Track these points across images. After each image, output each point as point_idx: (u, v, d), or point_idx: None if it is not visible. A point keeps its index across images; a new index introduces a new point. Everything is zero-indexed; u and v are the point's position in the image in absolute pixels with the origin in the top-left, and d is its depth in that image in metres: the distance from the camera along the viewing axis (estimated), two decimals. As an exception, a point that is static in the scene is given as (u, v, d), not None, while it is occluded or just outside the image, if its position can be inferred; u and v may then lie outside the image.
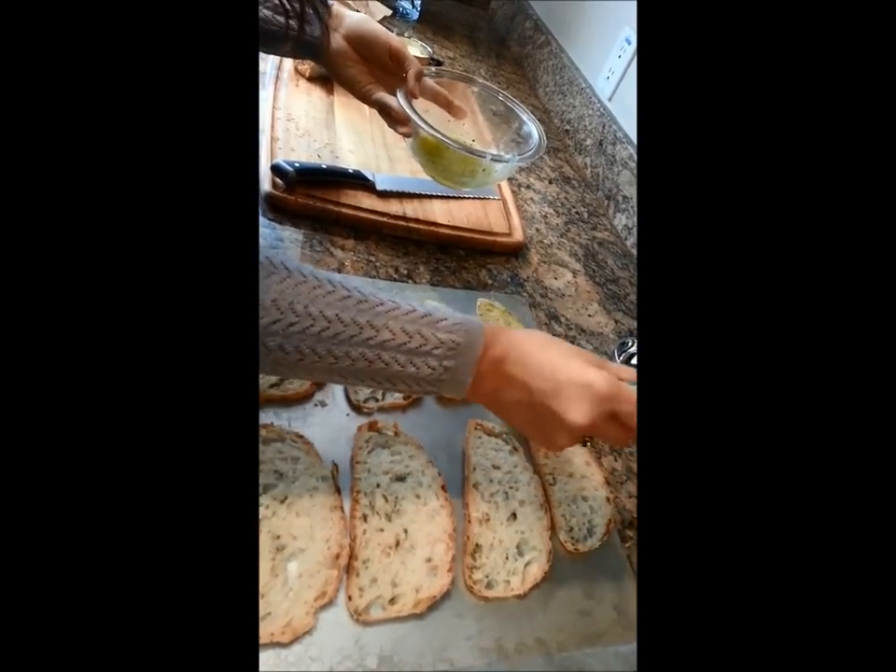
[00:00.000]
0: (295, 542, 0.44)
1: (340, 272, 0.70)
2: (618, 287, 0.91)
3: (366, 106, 0.73)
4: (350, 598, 0.43)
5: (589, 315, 0.83)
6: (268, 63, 0.98)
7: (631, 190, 1.04)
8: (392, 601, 0.44)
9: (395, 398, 0.58)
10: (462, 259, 0.81)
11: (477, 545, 0.49)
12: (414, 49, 1.19)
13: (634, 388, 0.45)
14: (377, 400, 0.58)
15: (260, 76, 0.95)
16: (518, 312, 0.75)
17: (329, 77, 0.98)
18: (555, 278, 0.87)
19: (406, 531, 0.48)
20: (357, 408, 0.56)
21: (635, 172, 1.03)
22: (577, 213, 1.05)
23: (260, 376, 0.54)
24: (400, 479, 0.52)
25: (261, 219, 0.72)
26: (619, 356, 0.74)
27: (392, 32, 0.74)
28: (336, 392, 0.57)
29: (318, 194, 0.76)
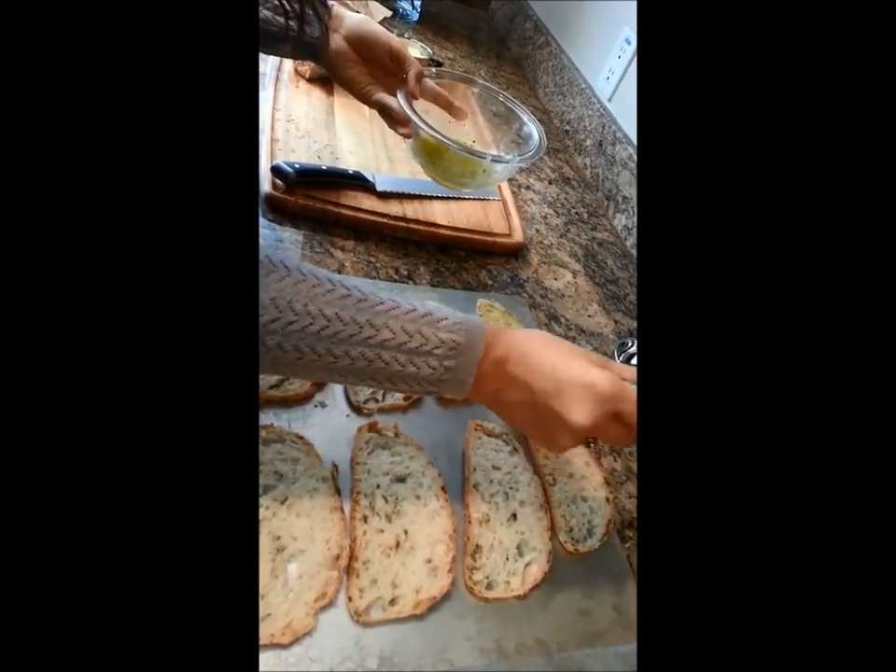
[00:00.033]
0: (295, 543, 0.45)
1: (340, 273, 0.70)
2: (618, 287, 0.91)
3: (366, 107, 0.73)
4: (350, 599, 0.43)
5: (589, 316, 0.83)
6: (268, 64, 0.98)
7: (631, 191, 1.04)
8: (392, 602, 0.44)
9: (395, 399, 0.58)
10: (462, 259, 0.81)
11: (477, 546, 0.49)
12: (414, 49, 1.19)
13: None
14: (377, 401, 0.58)
15: (260, 77, 0.95)
16: (518, 312, 0.75)
17: (329, 78, 0.98)
18: (555, 279, 0.87)
19: (406, 532, 0.48)
20: (357, 409, 0.56)
21: (634, 172, 1.03)
22: (577, 213, 1.05)
23: (260, 377, 0.54)
24: (400, 480, 0.52)
25: (261, 220, 0.72)
26: (619, 356, 0.74)
27: (392, 33, 0.74)
28: (336, 393, 0.57)
29: (318, 195, 0.76)
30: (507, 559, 0.49)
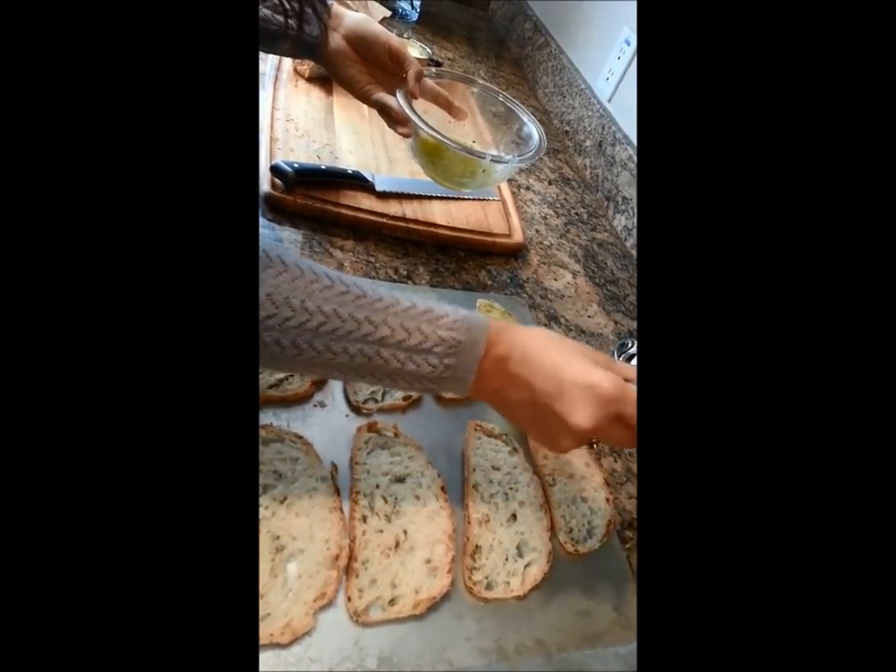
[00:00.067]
0: (294, 543, 0.44)
1: (339, 272, 0.70)
2: (617, 288, 0.91)
3: (365, 107, 0.73)
4: (349, 599, 0.43)
5: (589, 316, 0.83)
6: (267, 64, 0.98)
7: (630, 191, 1.04)
8: (391, 602, 0.44)
9: (394, 399, 0.58)
10: (461, 260, 0.81)
11: (477, 546, 0.49)
12: (413, 49, 1.19)
13: None
14: (376, 401, 0.58)
15: (260, 76, 0.94)
16: (518, 313, 0.75)
17: (328, 77, 0.98)
18: (555, 279, 0.87)
19: (405, 532, 0.48)
20: (356, 409, 0.56)
21: (634, 173, 1.03)
22: (576, 214, 1.05)
23: (260, 376, 0.54)
24: (400, 480, 0.52)
25: (261, 220, 0.72)
26: (618, 357, 0.73)
27: (391, 33, 0.74)
28: (335, 393, 0.57)
29: (317, 195, 0.76)
30: (506, 559, 0.49)
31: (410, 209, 0.81)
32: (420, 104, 0.73)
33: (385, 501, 0.50)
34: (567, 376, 0.42)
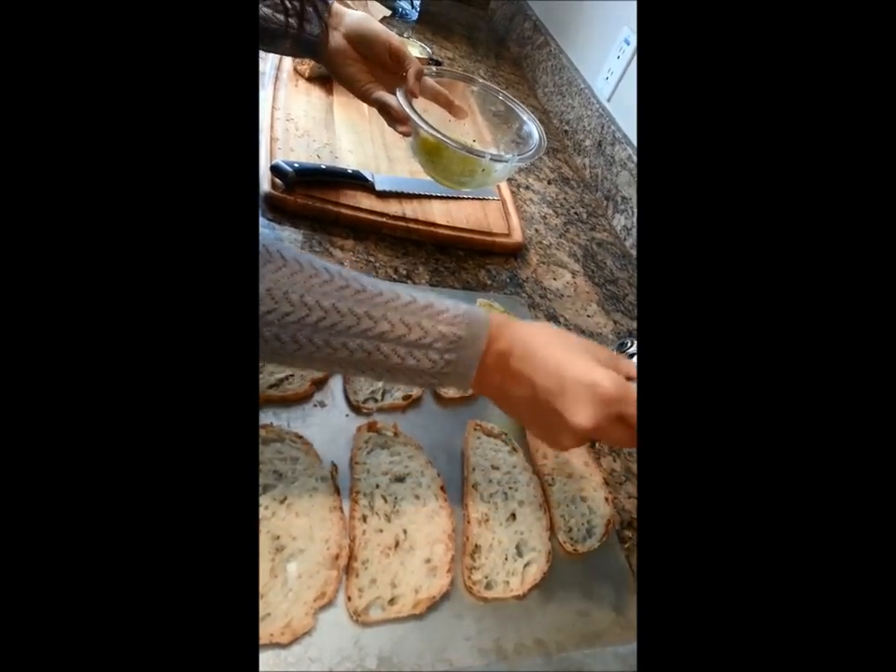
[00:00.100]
0: (294, 543, 0.44)
1: (339, 272, 0.70)
2: (617, 287, 0.91)
3: (365, 106, 0.73)
4: (349, 599, 0.43)
5: (588, 316, 0.83)
6: (267, 63, 0.98)
7: (630, 191, 1.04)
8: (391, 602, 0.44)
9: (394, 398, 0.58)
10: (461, 259, 0.81)
11: (476, 546, 0.49)
12: (413, 49, 1.19)
13: None
14: (376, 401, 0.58)
15: (260, 76, 0.94)
16: (517, 312, 0.75)
17: (328, 77, 0.98)
18: (554, 279, 0.87)
19: (405, 532, 0.48)
20: (356, 408, 0.56)
21: (634, 172, 1.03)
22: (576, 213, 1.05)
23: (260, 376, 0.54)
24: (400, 479, 0.52)
25: (261, 220, 0.72)
26: (618, 356, 0.73)
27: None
28: (335, 392, 0.57)
29: (317, 194, 0.76)
30: (506, 559, 0.49)
31: (410, 209, 0.81)
32: (420, 102, 0.73)
33: (385, 501, 0.50)
34: (569, 374, 0.42)
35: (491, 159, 0.72)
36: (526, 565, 0.50)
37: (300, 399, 0.55)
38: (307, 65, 0.98)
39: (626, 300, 0.89)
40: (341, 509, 0.48)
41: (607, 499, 0.57)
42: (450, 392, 0.61)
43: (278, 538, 0.44)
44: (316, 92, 0.97)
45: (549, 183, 1.10)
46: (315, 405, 0.55)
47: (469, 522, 0.51)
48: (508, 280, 0.82)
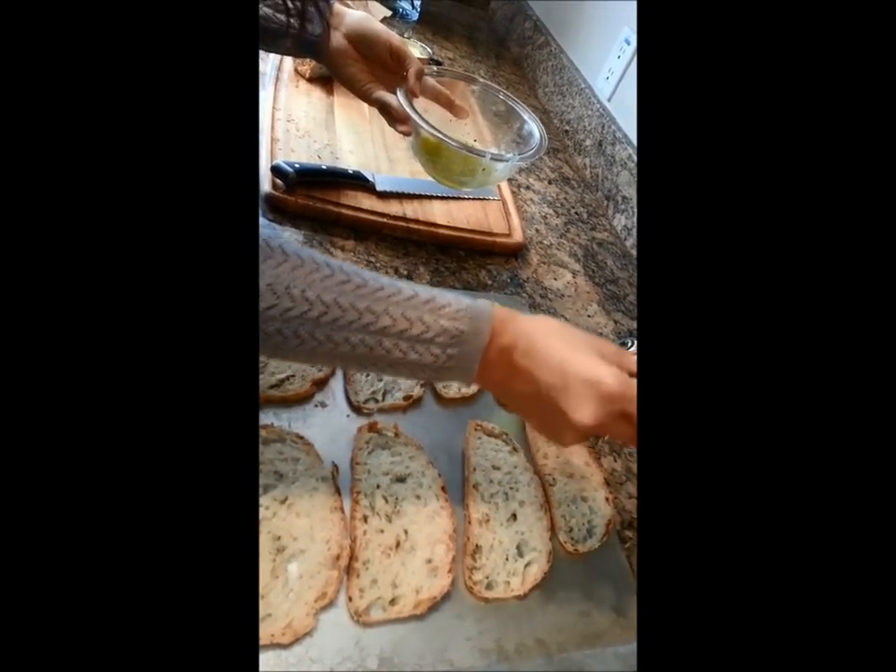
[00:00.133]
0: (295, 543, 0.44)
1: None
2: (617, 287, 0.91)
3: (366, 107, 0.73)
4: (350, 599, 0.43)
5: (588, 316, 0.83)
6: (268, 64, 0.98)
7: (630, 191, 1.04)
8: (392, 602, 0.44)
9: (395, 399, 0.58)
10: (462, 259, 0.81)
11: (477, 546, 0.49)
12: (414, 49, 1.19)
13: None
14: (377, 401, 0.58)
15: (260, 76, 0.94)
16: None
17: (329, 77, 0.98)
18: (555, 279, 0.87)
19: (406, 532, 0.48)
20: (357, 409, 0.56)
21: (634, 172, 1.03)
22: (576, 213, 1.05)
23: (260, 377, 0.54)
24: (400, 480, 0.52)
25: (261, 220, 0.72)
26: (619, 356, 0.73)
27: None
28: (336, 393, 0.57)
29: (318, 195, 0.76)
30: (507, 559, 0.49)
31: (410, 209, 0.81)
32: (421, 102, 0.73)
33: (386, 501, 0.50)
34: (573, 370, 0.41)
35: (492, 158, 0.72)
36: (527, 565, 0.50)
37: (300, 400, 0.55)
38: (308, 66, 0.98)
39: (627, 299, 0.89)
40: (342, 509, 0.48)
41: (607, 499, 0.57)
42: (450, 392, 0.61)
43: (279, 538, 0.44)
44: (317, 93, 0.97)
45: (549, 183, 1.10)
46: (316, 405, 0.55)
47: (469, 522, 0.51)
48: (508, 280, 0.82)
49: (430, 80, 0.75)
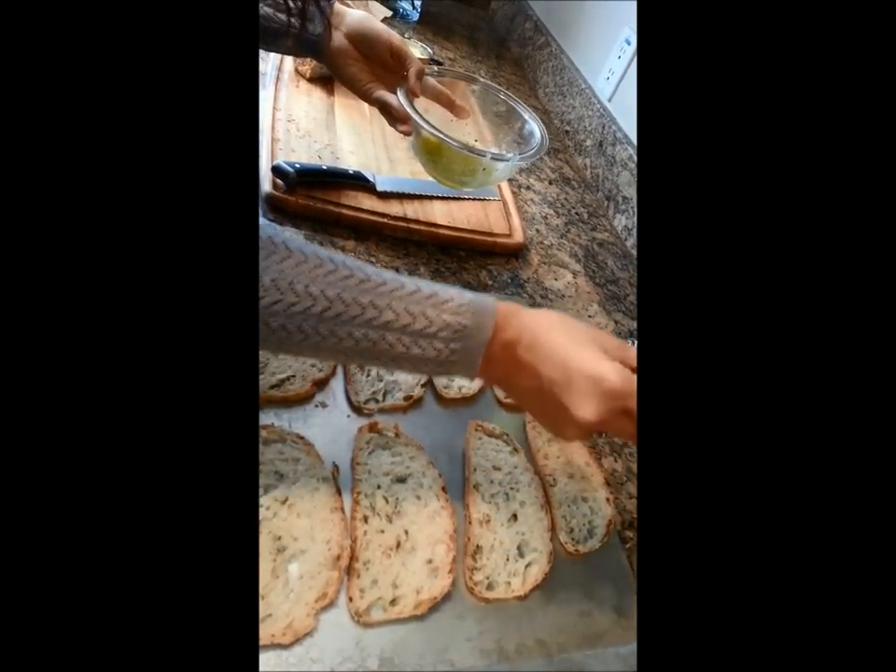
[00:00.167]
0: (296, 543, 0.44)
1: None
2: (618, 287, 0.91)
3: (366, 107, 0.73)
4: (351, 600, 0.43)
5: (589, 316, 0.83)
6: (268, 64, 0.98)
7: (631, 191, 1.04)
8: (393, 602, 0.44)
9: (395, 399, 0.58)
10: (462, 260, 0.81)
11: (478, 546, 0.49)
12: (414, 49, 1.19)
13: None
14: (377, 402, 0.58)
15: (261, 76, 0.94)
16: (518, 313, 0.75)
17: (329, 78, 0.98)
18: (555, 279, 0.87)
19: (407, 532, 0.48)
20: (357, 409, 0.56)
21: (634, 173, 1.03)
22: (577, 214, 1.05)
23: (261, 377, 0.54)
24: (401, 480, 0.52)
25: (262, 220, 0.72)
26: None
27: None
28: (337, 393, 0.57)
29: (319, 195, 0.76)
30: (507, 560, 0.49)
31: (411, 209, 0.81)
32: (421, 102, 0.73)
33: (387, 501, 0.50)
34: (576, 366, 0.41)
35: (492, 158, 0.72)
36: (528, 565, 0.50)
37: (301, 400, 0.55)
38: (308, 66, 0.98)
39: (627, 300, 0.89)
40: (342, 509, 0.48)
41: (608, 500, 0.57)
42: (451, 392, 0.61)
43: (279, 538, 0.44)
44: (318, 93, 0.97)
45: (550, 183, 1.10)
46: (317, 406, 0.55)
47: (470, 522, 0.51)
48: (509, 280, 0.82)
49: (431, 80, 0.75)
